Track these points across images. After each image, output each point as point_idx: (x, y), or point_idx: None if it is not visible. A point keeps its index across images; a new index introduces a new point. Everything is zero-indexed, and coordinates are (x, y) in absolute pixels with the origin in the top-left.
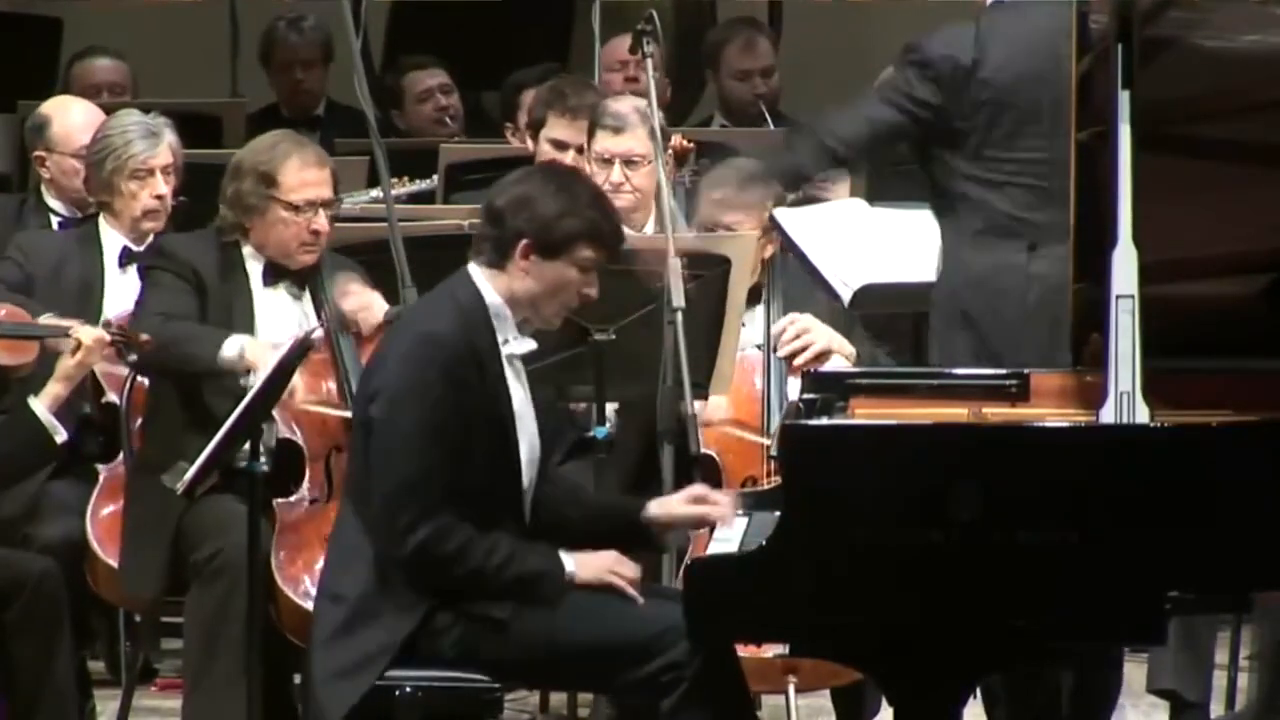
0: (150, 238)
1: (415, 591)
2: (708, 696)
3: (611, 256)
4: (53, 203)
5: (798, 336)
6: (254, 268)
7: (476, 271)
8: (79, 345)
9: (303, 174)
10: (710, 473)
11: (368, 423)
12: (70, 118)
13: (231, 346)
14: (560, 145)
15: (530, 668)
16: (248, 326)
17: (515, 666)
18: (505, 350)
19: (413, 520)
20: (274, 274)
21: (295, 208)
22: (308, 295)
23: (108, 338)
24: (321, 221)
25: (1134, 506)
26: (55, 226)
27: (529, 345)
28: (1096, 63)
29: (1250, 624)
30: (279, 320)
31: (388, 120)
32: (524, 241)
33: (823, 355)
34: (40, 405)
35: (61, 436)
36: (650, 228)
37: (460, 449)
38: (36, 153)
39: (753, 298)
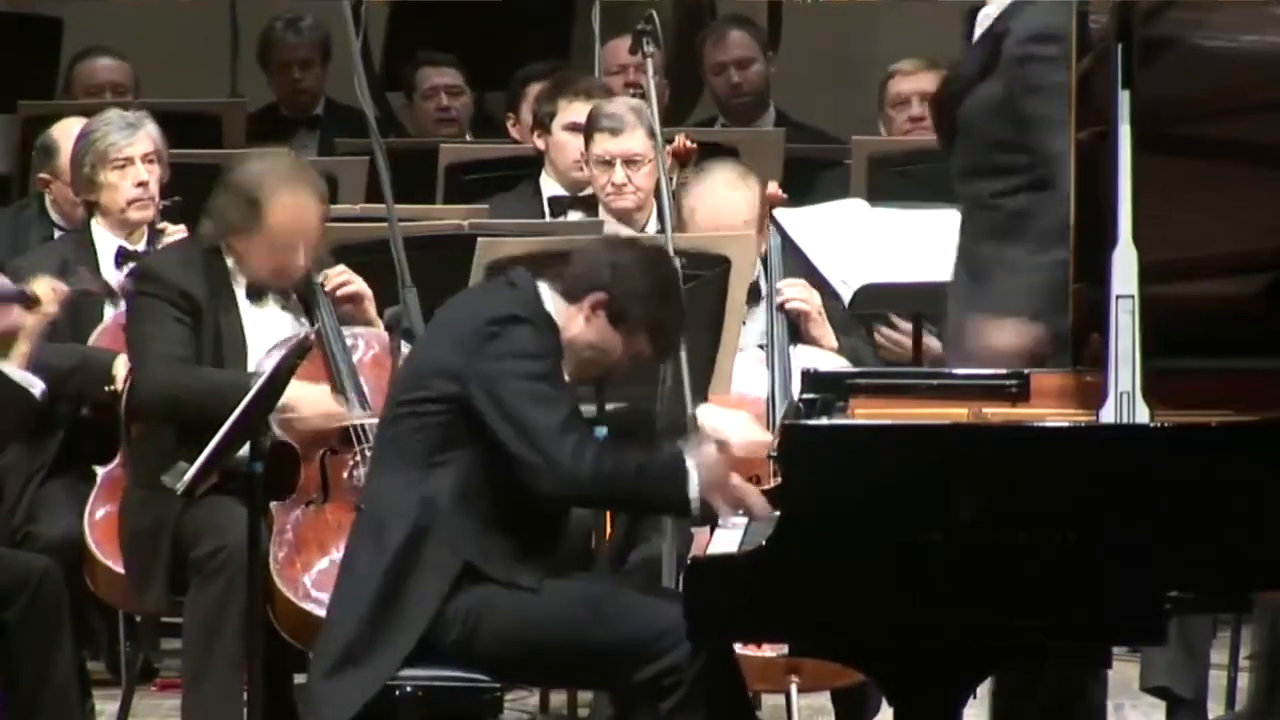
0: (144, 232)
1: (439, 577)
2: (708, 699)
3: (655, 360)
4: (54, 215)
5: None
6: (242, 283)
7: (545, 290)
8: (37, 300)
9: (292, 213)
10: None
11: (461, 394)
12: None
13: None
14: (578, 128)
15: (531, 668)
16: (238, 343)
17: (516, 666)
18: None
19: (579, 444)
20: (260, 288)
21: (278, 242)
22: (296, 299)
23: (65, 287)
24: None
25: (1134, 506)
26: (55, 236)
27: None
28: (1096, 63)
29: (1250, 624)
30: (270, 335)
31: (391, 112)
32: (599, 294)
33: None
34: (11, 366)
35: (39, 389)
36: (651, 227)
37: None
38: (41, 174)
39: (751, 296)
